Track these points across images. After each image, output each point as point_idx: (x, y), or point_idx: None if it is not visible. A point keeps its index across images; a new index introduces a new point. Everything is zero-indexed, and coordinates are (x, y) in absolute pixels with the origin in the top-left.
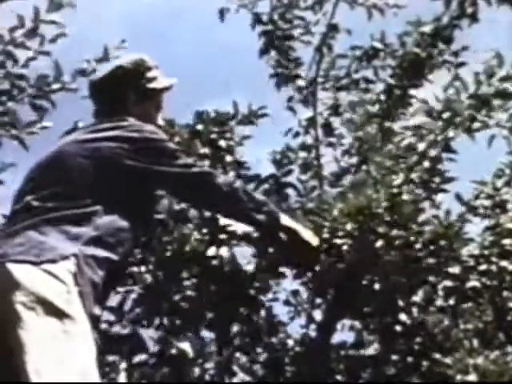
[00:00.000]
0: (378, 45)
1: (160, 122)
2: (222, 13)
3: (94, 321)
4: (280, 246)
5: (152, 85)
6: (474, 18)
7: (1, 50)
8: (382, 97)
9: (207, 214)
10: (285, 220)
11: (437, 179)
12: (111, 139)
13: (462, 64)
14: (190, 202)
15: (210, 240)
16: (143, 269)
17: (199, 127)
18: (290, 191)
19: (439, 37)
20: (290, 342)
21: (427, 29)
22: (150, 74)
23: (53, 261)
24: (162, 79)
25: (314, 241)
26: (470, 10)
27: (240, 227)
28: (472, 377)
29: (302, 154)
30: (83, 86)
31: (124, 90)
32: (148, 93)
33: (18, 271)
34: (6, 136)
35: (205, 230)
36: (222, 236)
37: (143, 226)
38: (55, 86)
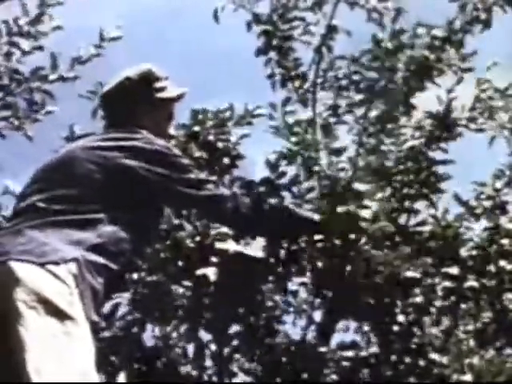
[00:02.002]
0: (389, 45)
1: (171, 131)
2: (216, 15)
3: (93, 327)
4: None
5: (161, 95)
6: (487, 24)
7: (6, 41)
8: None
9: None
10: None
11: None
12: (122, 149)
13: (469, 69)
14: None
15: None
16: (135, 276)
17: (196, 128)
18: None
19: (450, 41)
20: (289, 343)
21: (439, 32)
22: (158, 85)
23: (55, 263)
24: (172, 89)
25: None
26: (483, 16)
27: (232, 246)
28: (468, 377)
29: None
30: (81, 74)
31: (132, 101)
32: (157, 103)
33: (21, 269)
34: (9, 128)
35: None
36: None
37: (146, 239)
38: (52, 77)
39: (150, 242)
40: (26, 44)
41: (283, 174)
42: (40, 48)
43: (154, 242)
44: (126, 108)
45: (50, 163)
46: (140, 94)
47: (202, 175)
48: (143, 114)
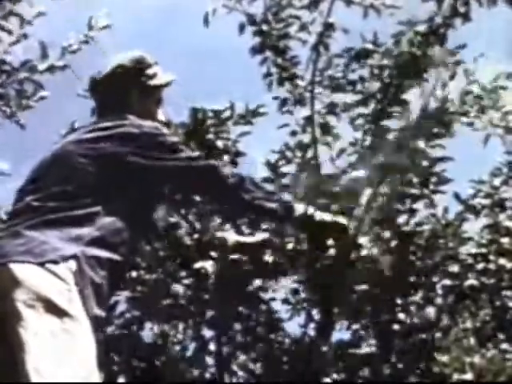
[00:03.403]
0: (370, 46)
1: (161, 117)
2: (207, 19)
3: (96, 322)
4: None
5: (153, 82)
6: (466, 17)
7: None
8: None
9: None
10: (299, 208)
11: (433, 179)
12: (112, 138)
13: (458, 63)
14: (197, 195)
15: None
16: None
17: (195, 127)
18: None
19: (433, 36)
20: (288, 341)
21: (421, 28)
22: (150, 71)
23: (54, 262)
24: (162, 75)
25: (339, 220)
26: (462, 10)
27: (231, 237)
28: (469, 375)
29: (299, 154)
30: (80, 76)
31: (125, 88)
32: (149, 90)
33: (20, 270)
34: (1, 116)
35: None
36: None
37: (145, 227)
38: (42, 67)
39: (148, 231)
40: (11, 27)
41: (283, 174)
42: (25, 36)
43: (151, 232)
44: (118, 95)
45: (44, 161)
46: (133, 81)
47: (194, 153)
48: (135, 101)
